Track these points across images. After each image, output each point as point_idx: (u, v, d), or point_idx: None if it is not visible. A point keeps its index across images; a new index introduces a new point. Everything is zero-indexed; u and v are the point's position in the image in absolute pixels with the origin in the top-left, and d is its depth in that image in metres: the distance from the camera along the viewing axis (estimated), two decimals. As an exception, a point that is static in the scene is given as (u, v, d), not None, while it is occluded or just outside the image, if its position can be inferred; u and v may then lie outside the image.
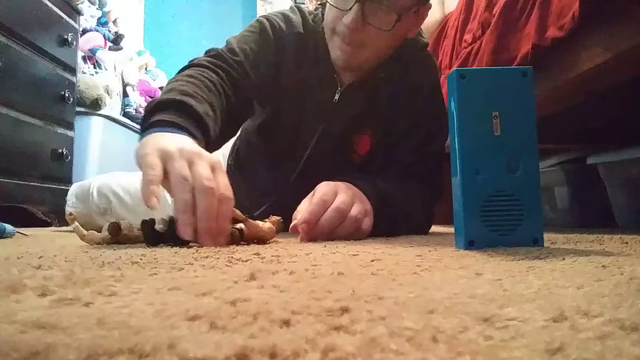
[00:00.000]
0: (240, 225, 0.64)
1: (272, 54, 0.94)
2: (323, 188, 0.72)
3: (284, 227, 0.72)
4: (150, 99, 2.51)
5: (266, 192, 1.05)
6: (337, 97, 0.95)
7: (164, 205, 1.23)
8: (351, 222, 0.70)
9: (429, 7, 0.91)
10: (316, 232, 0.69)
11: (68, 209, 1.23)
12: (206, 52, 0.93)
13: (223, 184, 0.60)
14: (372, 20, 0.82)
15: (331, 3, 0.86)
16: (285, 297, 0.26)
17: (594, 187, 1.31)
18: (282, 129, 0.99)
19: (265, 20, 0.96)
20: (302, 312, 0.22)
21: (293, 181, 1.00)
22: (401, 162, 0.93)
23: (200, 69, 0.84)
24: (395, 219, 0.82)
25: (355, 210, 0.71)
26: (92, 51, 2.14)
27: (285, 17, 0.97)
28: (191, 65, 0.87)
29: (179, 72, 0.85)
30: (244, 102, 0.91)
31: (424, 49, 1.01)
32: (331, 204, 0.70)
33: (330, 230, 0.69)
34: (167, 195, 1.24)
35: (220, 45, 0.94)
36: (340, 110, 0.89)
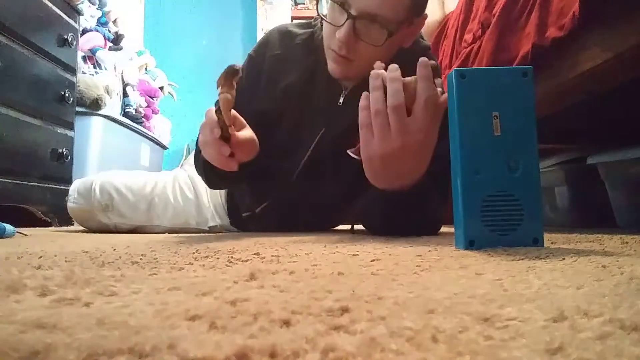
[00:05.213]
0: None
1: (258, 79, 1.02)
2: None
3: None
4: (150, 97, 2.47)
5: (268, 190, 1.06)
6: (341, 100, 0.96)
7: (166, 206, 1.24)
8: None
9: (425, 17, 0.91)
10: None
11: (70, 204, 1.23)
12: None
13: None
14: (364, 36, 0.83)
15: (325, 19, 0.88)
16: (285, 297, 0.26)
17: (594, 187, 1.31)
18: (284, 130, 1.00)
19: (247, 57, 1.07)
20: (302, 312, 0.22)
21: (294, 180, 1.00)
22: None
23: None
24: (417, 215, 0.81)
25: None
26: (92, 51, 2.13)
27: (263, 42, 1.06)
28: None
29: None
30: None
31: (426, 52, 1.02)
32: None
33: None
34: (170, 196, 1.25)
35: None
36: (343, 113, 0.90)
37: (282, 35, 1.05)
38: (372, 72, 0.65)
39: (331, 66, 0.92)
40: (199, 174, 1.02)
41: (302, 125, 1.00)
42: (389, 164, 0.67)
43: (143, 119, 2.46)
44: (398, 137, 0.63)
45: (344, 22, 0.82)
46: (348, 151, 0.81)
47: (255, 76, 1.03)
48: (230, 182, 1.00)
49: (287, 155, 1.01)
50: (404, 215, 0.79)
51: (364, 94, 0.66)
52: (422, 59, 0.62)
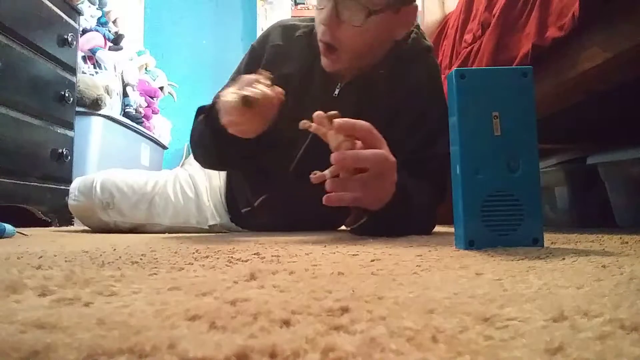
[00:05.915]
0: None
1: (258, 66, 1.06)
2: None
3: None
4: (150, 98, 2.48)
5: (265, 182, 1.06)
6: (337, 91, 0.97)
7: (167, 205, 1.24)
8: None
9: (415, 7, 0.93)
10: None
11: (70, 202, 1.23)
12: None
13: None
14: (345, 16, 0.86)
15: (314, 4, 0.91)
16: (285, 297, 0.26)
17: (594, 187, 1.31)
18: (280, 122, 1.00)
19: (250, 48, 1.13)
20: (302, 312, 0.22)
21: (291, 172, 1.01)
22: (404, 162, 0.93)
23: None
24: (405, 213, 0.82)
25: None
26: (92, 51, 2.13)
27: (265, 34, 1.11)
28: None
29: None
30: None
31: (428, 52, 1.03)
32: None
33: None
34: (171, 194, 1.25)
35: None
36: (339, 105, 0.90)
37: (284, 28, 1.08)
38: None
39: (322, 60, 0.95)
40: (208, 151, 1.01)
41: (300, 117, 1.00)
42: (380, 196, 0.76)
43: (143, 119, 2.46)
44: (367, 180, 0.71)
45: (327, 3, 0.85)
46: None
47: (255, 66, 1.04)
48: (243, 150, 0.99)
49: (285, 147, 1.01)
50: (398, 222, 0.82)
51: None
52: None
